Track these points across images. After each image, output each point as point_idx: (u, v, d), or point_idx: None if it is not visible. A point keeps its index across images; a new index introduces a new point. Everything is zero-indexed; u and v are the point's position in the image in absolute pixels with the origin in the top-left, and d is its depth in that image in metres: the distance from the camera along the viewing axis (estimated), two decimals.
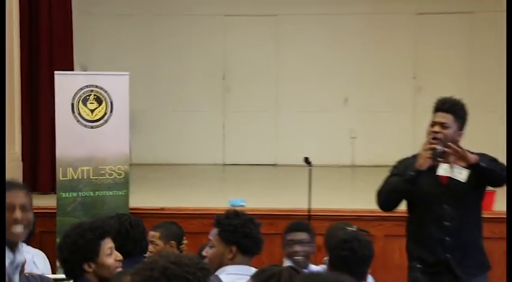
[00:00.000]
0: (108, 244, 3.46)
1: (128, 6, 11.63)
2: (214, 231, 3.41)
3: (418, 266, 4.55)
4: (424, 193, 4.48)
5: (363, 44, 11.47)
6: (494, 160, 4.46)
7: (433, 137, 4.38)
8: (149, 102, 11.55)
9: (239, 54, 11.71)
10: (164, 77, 11.75)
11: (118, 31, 11.65)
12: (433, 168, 4.46)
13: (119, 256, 3.50)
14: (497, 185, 4.57)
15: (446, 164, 4.41)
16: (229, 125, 11.81)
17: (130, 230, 4.00)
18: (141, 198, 7.57)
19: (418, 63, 11.49)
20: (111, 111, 6.94)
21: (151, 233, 4.69)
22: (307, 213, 6.51)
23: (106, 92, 6.92)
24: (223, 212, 3.53)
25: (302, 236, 4.76)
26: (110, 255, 3.44)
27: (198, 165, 11.37)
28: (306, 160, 6.62)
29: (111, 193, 6.95)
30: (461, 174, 4.36)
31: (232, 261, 3.31)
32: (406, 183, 4.43)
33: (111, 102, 6.93)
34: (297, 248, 4.70)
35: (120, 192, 6.99)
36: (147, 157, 11.26)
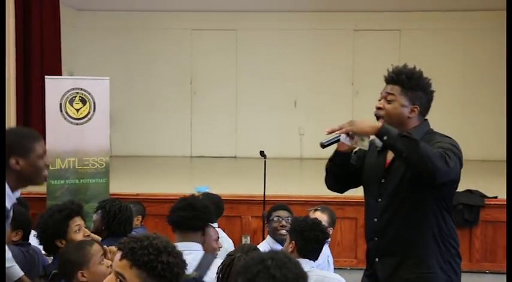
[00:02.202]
0: (76, 222, 3.38)
1: (109, 20, 11.50)
2: None
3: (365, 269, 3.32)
4: (365, 181, 3.26)
5: (310, 55, 11.48)
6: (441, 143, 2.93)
7: (375, 114, 3.16)
8: (127, 103, 11.43)
9: (204, 62, 11.65)
10: (140, 81, 11.66)
11: (101, 42, 11.54)
12: (382, 151, 3.16)
13: (87, 232, 3.45)
14: (423, 177, 2.82)
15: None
16: (195, 122, 11.75)
17: (118, 213, 3.98)
18: (120, 185, 7.50)
19: (356, 71, 11.52)
20: (94, 111, 6.91)
21: None
22: (262, 199, 6.49)
23: (89, 94, 6.88)
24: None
25: (286, 213, 4.82)
26: (78, 232, 3.37)
27: (169, 157, 11.35)
28: (262, 153, 6.56)
29: (93, 181, 6.92)
30: (364, 141, 2.99)
31: None
32: (329, 163, 3.27)
33: (94, 103, 6.90)
34: (284, 222, 4.70)
35: (101, 180, 6.95)
36: (125, 150, 11.18)
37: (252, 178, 7.50)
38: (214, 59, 11.64)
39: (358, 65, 11.51)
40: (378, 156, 3.18)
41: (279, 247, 4.50)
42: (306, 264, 3.39)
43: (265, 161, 6.52)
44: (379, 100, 3.16)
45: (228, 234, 5.26)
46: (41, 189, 7.02)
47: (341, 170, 3.21)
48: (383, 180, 3.11)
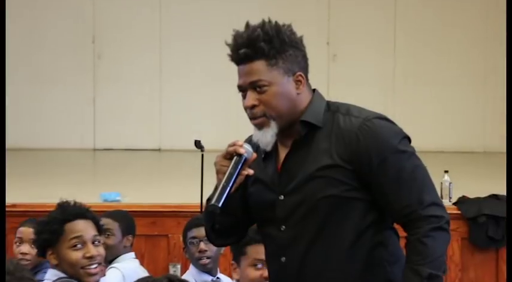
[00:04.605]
0: None
1: None
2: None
3: None
4: (255, 206, 2.90)
5: (267, 3, 11.28)
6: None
7: (251, 117, 2.83)
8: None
9: (113, 12, 11.50)
10: (23, 42, 11.39)
11: None
12: (271, 154, 2.87)
13: None
14: None
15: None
16: (100, 100, 11.56)
17: None
18: None
19: (332, 27, 11.57)
20: None
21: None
22: (199, 208, 6.30)
23: None
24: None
25: None
26: None
27: (61, 150, 11.15)
28: (198, 144, 6.75)
29: None
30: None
31: None
32: (205, 218, 3.01)
33: None
34: (203, 245, 4.65)
35: None
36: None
37: (184, 179, 7.63)
38: (128, 7, 11.53)
39: (335, 19, 11.56)
40: (265, 163, 2.85)
41: (207, 278, 4.66)
42: None
43: (202, 155, 6.66)
44: (244, 98, 2.80)
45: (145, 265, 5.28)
46: None
47: (234, 216, 2.91)
48: (282, 197, 2.74)
